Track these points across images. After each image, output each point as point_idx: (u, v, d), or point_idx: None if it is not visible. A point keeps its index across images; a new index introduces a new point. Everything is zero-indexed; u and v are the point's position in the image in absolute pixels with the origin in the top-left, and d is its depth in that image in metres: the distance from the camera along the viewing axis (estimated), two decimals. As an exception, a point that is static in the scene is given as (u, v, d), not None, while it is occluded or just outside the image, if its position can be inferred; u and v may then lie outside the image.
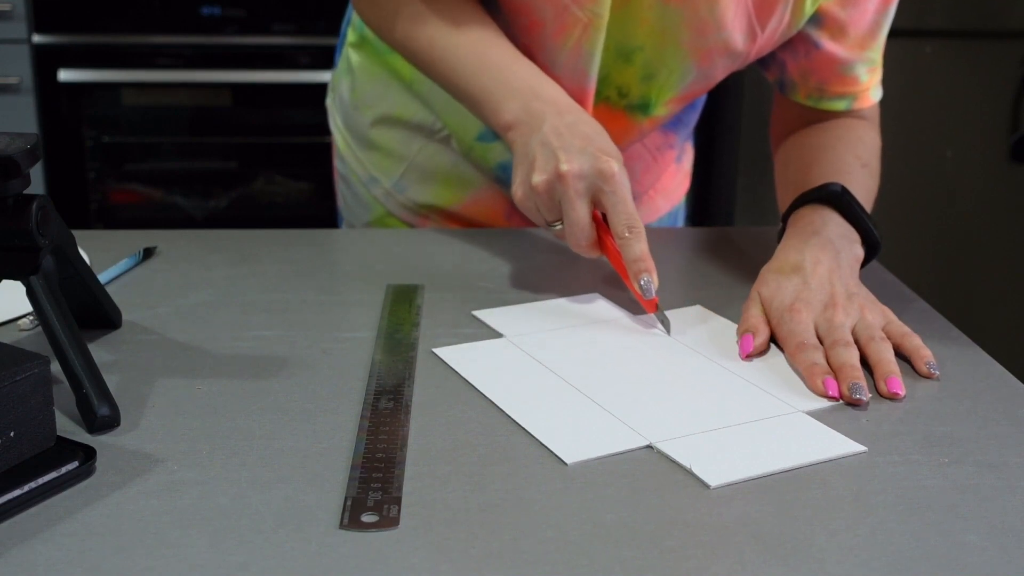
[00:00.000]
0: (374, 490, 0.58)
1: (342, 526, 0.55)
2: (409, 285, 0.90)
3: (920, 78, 2.17)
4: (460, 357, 0.76)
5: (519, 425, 0.66)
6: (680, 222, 1.24)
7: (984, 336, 0.95)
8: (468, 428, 0.66)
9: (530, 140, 0.83)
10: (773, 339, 0.78)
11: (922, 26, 2.14)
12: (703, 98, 1.14)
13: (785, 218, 0.90)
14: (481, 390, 0.71)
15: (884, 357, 0.74)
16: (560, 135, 0.82)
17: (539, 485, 0.59)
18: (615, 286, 0.91)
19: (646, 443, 0.64)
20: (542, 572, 0.52)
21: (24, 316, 0.81)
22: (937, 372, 0.74)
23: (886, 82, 1.03)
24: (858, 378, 0.71)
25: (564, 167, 0.80)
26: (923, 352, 0.76)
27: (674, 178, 1.18)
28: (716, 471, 0.61)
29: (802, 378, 0.73)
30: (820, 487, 0.60)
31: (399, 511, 0.56)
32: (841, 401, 0.70)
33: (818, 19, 0.93)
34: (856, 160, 0.95)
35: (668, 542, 0.54)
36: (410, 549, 0.53)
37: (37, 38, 2.17)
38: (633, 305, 0.86)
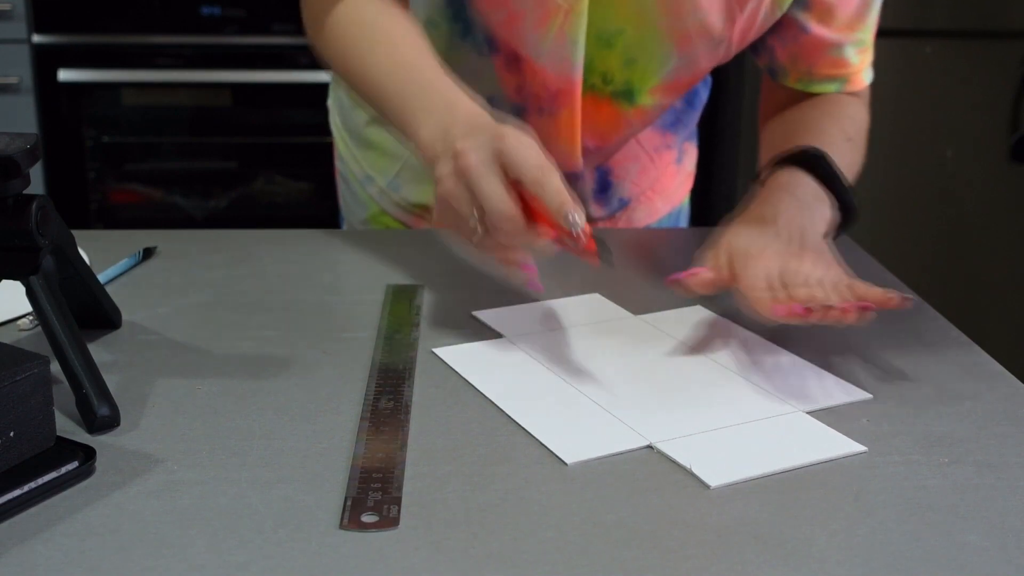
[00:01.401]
0: (374, 490, 0.58)
1: (342, 526, 0.55)
2: (409, 285, 0.90)
3: (920, 78, 2.17)
4: (460, 357, 0.76)
5: (519, 425, 0.66)
6: (682, 224, 1.24)
7: (984, 336, 0.95)
8: (468, 428, 0.66)
9: (441, 153, 0.77)
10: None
11: (922, 26, 2.14)
12: (703, 97, 1.14)
13: (760, 177, 0.90)
14: (481, 390, 0.71)
15: (857, 293, 0.73)
16: (462, 128, 0.76)
17: (539, 485, 0.59)
18: (615, 286, 0.91)
19: (646, 443, 0.64)
20: (542, 572, 0.52)
21: (24, 316, 0.81)
22: (911, 297, 0.74)
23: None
24: (820, 300, 0.70)
25: (459, 144, 0.73)
26: (889, 293, 0.74)
27: (674, 179, 1.18)
28: (716, 471, 0.61)
29: (757, 310, 0.72)
30: (820, 487, 0.60)
31: (399, 511, 0.56)
32: (803, 317, 0.69)
33: (805, 2, 0.93)
34: (841, 133, 0.95)
35: (668, 542, 0.54)
36: (410, 549, 0.53)
37: (37, 38, 2.17)
38: (633, 305, 0.86)
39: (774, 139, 0.99)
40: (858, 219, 0.87)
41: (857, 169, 0.95)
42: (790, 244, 0.78)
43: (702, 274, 0.76)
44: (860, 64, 0.99)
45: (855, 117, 0.98)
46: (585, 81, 0.97)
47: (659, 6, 0.90)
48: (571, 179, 1.05)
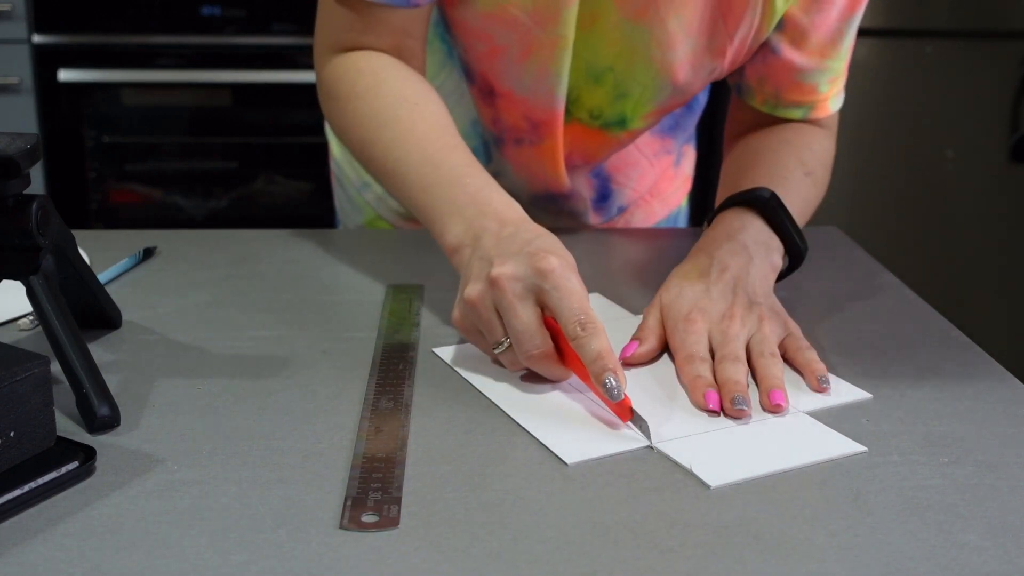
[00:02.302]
0: (374, 490, 0.58)
1: (342, 526, 0.55)
2: (409, 285, 0.90)
3: (920, 78, 2.17)
4: (460, 357, 0.76)
5: (519, 425, 0.66)
6: (681, 227, 1.23)
7: (984, 336, 0.95)
8: (468, 428, 0.66)
9: (471, 259, 0.74)
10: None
11: (922, 26, 2.14)
12: (702, 101, 1.13)
13: (712, 220, 0.88)
14: (481, 390, 0.71)
15: (770, 372, 0.72)
16: (499, 244, 0.73)
17: (539, 485, 0.59)
18: (616, 286, 0.91)
19: (646, 443, 0.64)
20: (542, 572, 0.52)
21: (24, 316, 0.81)
22: (828, 386, 0.72)
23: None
24: (740, 391, 0.69)
25: (496, 271, 0.70)
26: (815, 366, 0.73)
27: (672, 182, 1.17)
28: (716, 471, 0.61)
29: (686, 389, 0.72)
30: (820, 487, 0.60)
31: (399, 511, 0.56)
32: (722, 415, 0.69)
33: (780, 23, 0.91)
34: (800, 166, 0.93)
35: (668, 542, 0.54)
36: (410, 549, 0.53)
37: (37, 38, 2.17)
38: (633, 305, 0.86)
39: (732, 170, 0.97)
40: (803, 261, 0.85)
41: (814, 204, 0.94)
42: (722, 301, 0.77)
43: (638, 350, 0.76)
44: (828, 92, 0.96)
45: (817, 149, 0.96)
46: (571, 115, 0.96)
47: (652, 42, 0.89)
48: (564, 196, 1.06)
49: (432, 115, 0.85)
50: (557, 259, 0.70)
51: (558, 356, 0.71)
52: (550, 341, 0.70)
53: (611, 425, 0.67)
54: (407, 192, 0.83)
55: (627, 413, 0.66)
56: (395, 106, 0.86)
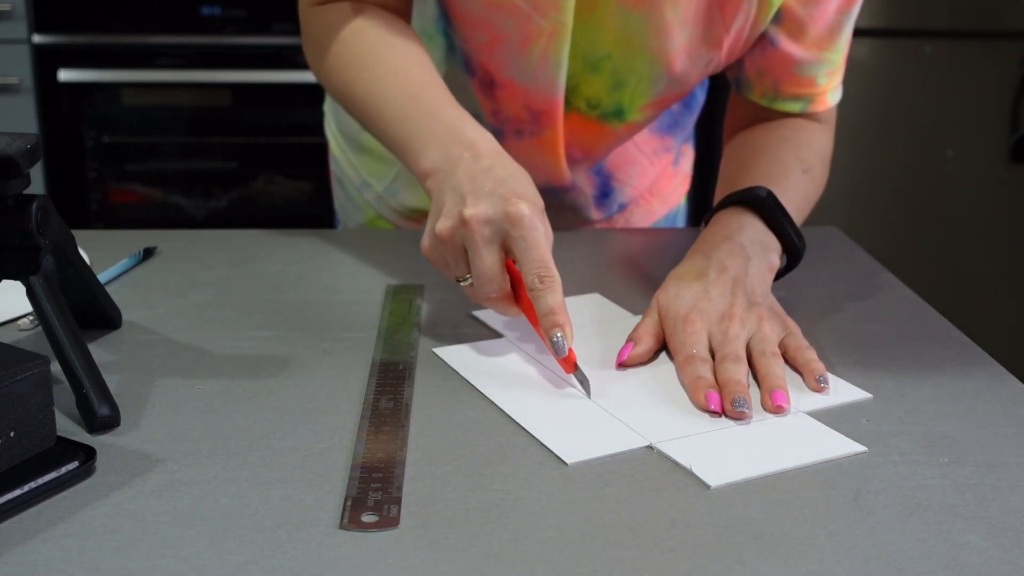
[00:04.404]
0: (374, 490, 0.58)
1: (342, 526, 0.55)
2: (409, 285, 0.90)
3: (920, 78, 2.17)
4: (460, 357, 0.76)
5: (519, 425, 0.66)
6: (680, 225, 1.24)
7: (984, 336, 0.95)
8: (468, 428, 0.66)
9: (443, 187, 0.77)
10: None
11: (922, 26, 2.14)
12: (700, 99, 1.14)
13: (709, 220, 0.88)
14: (481, 390, 0.71)
15: (772, 372, 0.72)
16: (473, 180, 0.75)
17: (539, 485, 0.60)
18: (616, 286, 0.91)
19: (646, 443, 0.64)
20: (542, 572, 0.52)
21: (24, 316, 0.81)
22: (826, 386, 0.72)
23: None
24: (742, 392, 0.69)
25: (468, 211, 0.73)
26: (815, 366, 0.73)
27: (671, 181, 1.18)
28: (716, 471, 0.61)
29: (687, 390, 0.71)
30: (820, 487, 0.60)
31: (399, 511, 0.56)
32: (723, 416, 0.68)
33: (778, 16, 0.91)
34: (798, 164, 0.93)
35: (668, 542, 0.54)
36: (410, 549, 0.53)
37: (37, 38, 2.17)
38: (633, 305, 0.86)
39: (731, 166, 0.97)
40: (800, 260, 0.85)
41: (812, 201, 0.94)
42: (721, 301, 0.77)
43: (633, 351, 0.76)
44: (827, 85, 0.96)
45: (816, 146, 0.96)
46: (570, 104, 0.96)
47: (648, 30, 0.89)
48: (565, 190, 1.06)
49: (412, 54, 0.88)
50: (527, 205, 0.72)
51: (515, 299, 0.75)
52: (508, 286, 0.75)
53: (556, 384, 0.71)
54: (384, 125, 0.85)
55: (571, 367, 0.71)
56: (377, 47, 0.88)
